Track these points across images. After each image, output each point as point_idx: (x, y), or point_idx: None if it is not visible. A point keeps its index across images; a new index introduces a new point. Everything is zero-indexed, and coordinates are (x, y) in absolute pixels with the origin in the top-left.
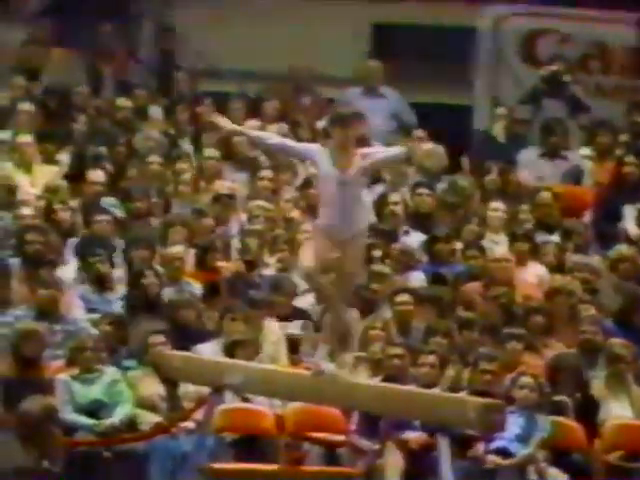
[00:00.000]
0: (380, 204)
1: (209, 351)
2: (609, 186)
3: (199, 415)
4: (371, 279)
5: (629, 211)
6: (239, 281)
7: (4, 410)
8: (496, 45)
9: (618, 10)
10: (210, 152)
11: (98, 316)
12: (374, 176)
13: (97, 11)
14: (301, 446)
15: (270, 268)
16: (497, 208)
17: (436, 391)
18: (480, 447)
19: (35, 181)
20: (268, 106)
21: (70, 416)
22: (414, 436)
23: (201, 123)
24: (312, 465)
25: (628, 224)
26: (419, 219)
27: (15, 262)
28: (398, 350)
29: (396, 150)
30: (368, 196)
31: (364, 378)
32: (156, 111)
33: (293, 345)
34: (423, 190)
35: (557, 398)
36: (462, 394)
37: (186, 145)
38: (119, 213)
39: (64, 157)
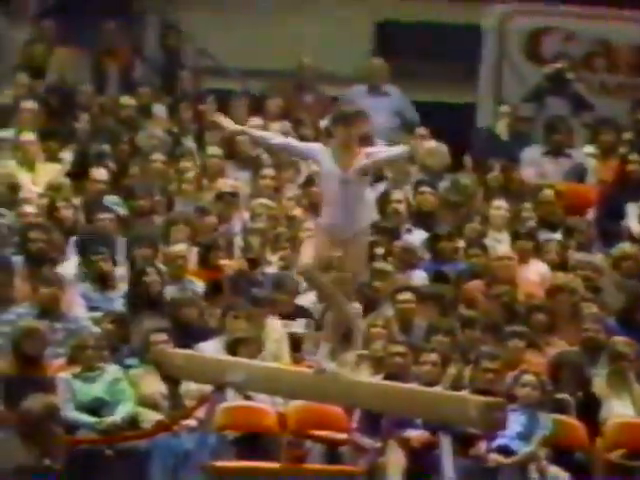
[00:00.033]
0: (383, 202)
1: (211, 349)
2: (612, 184)
3: (201, 413)
4: (373, 277)
5: (632, 209)
6: (242, 279)
7: (5, 408)
8: (500, 43)
9: (623, 8)
10: (213, 150)
11: (100, 314)
12: (377, 174)
13: (101, 9)
14: (303, 444)
15: (273, 266)
16: (500, 206)
17: (438, 389)
18: (482, 445)
19: (38, 179)
20: (271, 104)
21: (72, 414)
22: (416, 434)
23: (204, 121)
24: (314, 463)
25: (631, 222)
26: (422, 217)
27: (18, 260)
28: (400, 348)
29: (399, 149)
30: (371, 194)
31: (366, 376)
32: (160, 109)
33: (295, 343)
34: (426, 188)
35: (559, 396)
36: (464, 392)
37: (189, 143)
38: (122, 211)
39: (67, 155)
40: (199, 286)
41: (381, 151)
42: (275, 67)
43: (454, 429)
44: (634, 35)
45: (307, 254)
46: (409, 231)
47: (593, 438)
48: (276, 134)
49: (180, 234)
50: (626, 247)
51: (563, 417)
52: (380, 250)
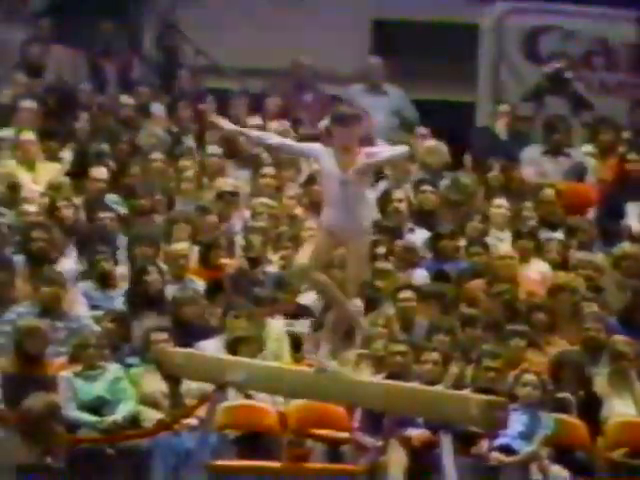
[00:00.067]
0: (384, 201)
1: (212, 348)
2: (612, 183)
3: (202, 412)
4: (375, 276)
5: (632, 208)
6: (242, 278)
7: (7, 407)
8: (498, 42)
9: (621, 7)
10: (213, 149)
11: (101, 313)
12: (377, 173)
13: (99, 9)
14: (304, 443)
15: (273, 265)
16: (500, 205)
17: (439, 388)
18: (483, 444)
19: (38, 178)
20: (270, 103)
21: (73, 413)
22: (417, 433)
23: (204, 120)
24: (315, 462)
25: (631, 221)
26: (423, 216)
27: (19, 259)
28: (401, 347)
29: (399, 149)
30: (372, 193)
31: (367, 375)
32: (159, 108)
33: (296, 342)
34: (426, 187)
35: (560, 395)
36: (465, 391)
37: (189, 142)
38: (122, 210)
39: (67, 154)
40: (200, 285)
41: (381, 151)
42: (274, 66)
43: (455, 428)
44: (633, 34)
45: (304, 254)
46: (411, 230)
47: (594, 437)
48: (274, 134)
49: (181, 233)
50: (627, 246)
51: (564, 416)
52: (381, 249)
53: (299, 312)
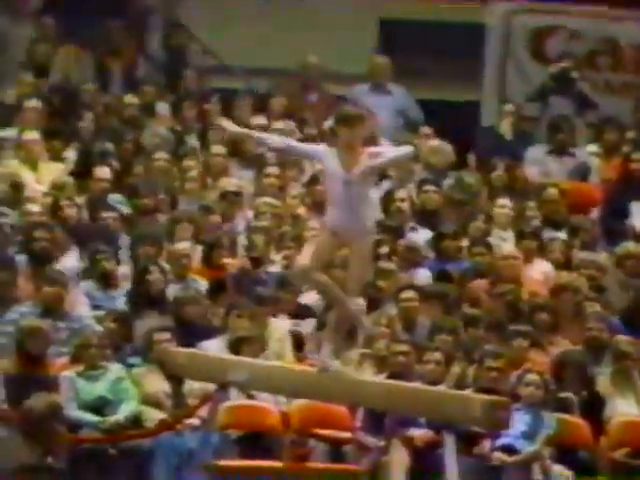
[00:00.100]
0: (386, 201)
1: (214, 348)
2: (616, 183)
3: (204, 412)
4: (377, 276)
5: (636, 208)
6: (245, 278)
7: (9, 407)
8: (504, 42)
9: (628, 7)
10: (217, 149)
11: (103, 313)
12: (381, 173)
13: (105, 8)
14: (306, 443)
15: (276, 265)
16: (504, 205)
17: (441, 388)
18: (486, 444)
19: (41, 178)
20: (275, 103)
21: (75, 413)
22: (419, 433)
23: (208, 120)
24: (317, 462)
25: (635, 221)
26: (425, 216)
27: (21, 259)
28: (403, 347)
29: (403, 150)
30: (375, 193)
31: (369, 375)
32: (163, 108)
33: (298, 342)
34: (429, 187)
35: (563, 395)
36: (467, 391)
37: (193, 142)
38: (126, 210)
39: (70, 154)
40: (202, 285)
41: (386, 151)
42: (279, 66)
43: (458, 428)
44: (639, 34)
45: (305, 255)
46: (413, 230)
47: (597, 437)
48: (278, 136)
49: (184, 233)
50: (630, 246)
51: (567, 416)
52: (384, 249)
53: (301, 312)
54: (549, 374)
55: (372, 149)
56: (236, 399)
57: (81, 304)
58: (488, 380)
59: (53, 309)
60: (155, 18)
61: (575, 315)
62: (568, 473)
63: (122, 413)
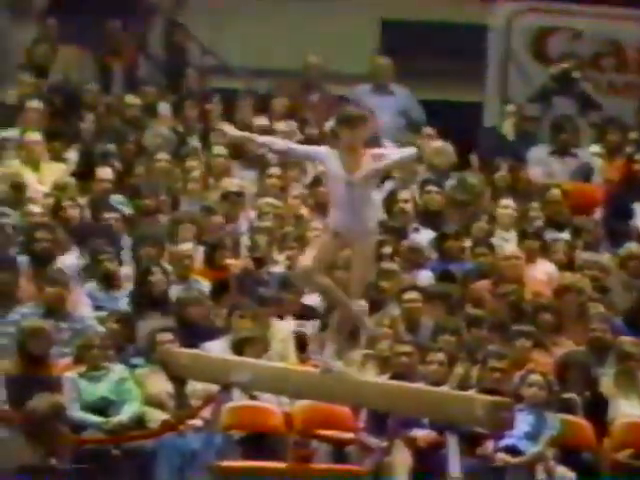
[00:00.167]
0: (389, 201)
1: (217, 348)
2: (619, 183)
3: (207, 413)
4: (380, 276)
5: (639, 208)
6: (248, 278)
7: (11, 408)
8: (507, 42)
9: (631, 7)
10: (219, 149)
11: (105, 314)
12: (384, 174)
13: (106, 8)
14: (309, 444)
15: (279, 265)
16: (507, 205)
17: (445, 389)
18: (489, 445)
19: (43, 179)
20: (277, 103)
21: (78, 414)
22: (422, 434)
23: (210, 120)
24: (320, 463)
25: (638, 222)
26: (428, 216)
27: (23, 260)
28: (406, 348)
29: (407, 152)
30: (377, 194)
31: (372, 376)
32: (165, 108)
33: (301, 343)
34: (432, 187)
35: (566, 396)
36: (471, 392)
37: (195, 142)
38: (127, 210)
39: (72, 155)
40: (205, 285)
41: (388, 153)
42: (281, 66)
43: (461, 429)
44: None
45: (306, 257)
46: (416, 230)
47: (600, 438)
48: (279, 139)
49: (186, 233)
50: (633, 247)
51: (570, 417)
52: (387, 250)
53: (304, 313)
54: (552, 375)
55: (375, 150)
56: (239, 400)
57: (83, 305)
58: (491, 381)
59: (55, 310)
60: (156, 18)
61: (578, 316)
62: (571, 474)
63: (125, 414)
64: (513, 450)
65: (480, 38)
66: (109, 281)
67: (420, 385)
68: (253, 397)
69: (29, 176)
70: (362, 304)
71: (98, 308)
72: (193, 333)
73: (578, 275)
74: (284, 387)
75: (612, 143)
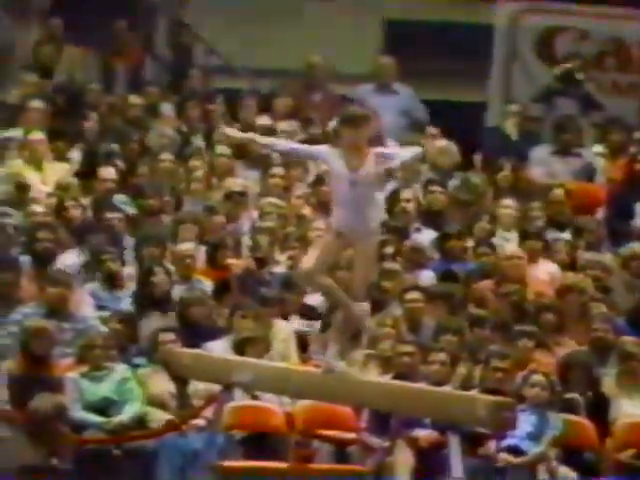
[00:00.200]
0: (392, 201)
1: (219, 348)
2: (622, 183)
3: (209, 413)
4: (382, 276)
5: None
6: (250, 278)
7: (13, 408)
8: (511, 42)
9: (636, 7)
10: (222, 149)
11: (108, 314)
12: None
13: (111, 8)
14: (311, 444)
15: (281, 265)
16: (509, 205)
17: (447, 389)
18: (491, 445)
19: (46, 179)
20: (280, 103)
21: (79, 414)
22: (424, 434)
23: (213, 120)
24: (322, 463)
25: None
26: (431, 216)
27: (25, 260)
28: (408, 348)
29: (411, 152)
30: (380, 193)
31: (374, 376)
32: (168, 108)
33: (303, 343)
34: (435, 187)
35: (568, 396)
36: (473, 392)
37: (198, 142)
38: (131, 210)
39: (75, 154)
40: (207, 285)
41: (392, 152)
42: (284, 66)
43: (463, 429)
44: None
45: (309, 257)
46: (418, 230)
47: (603, 438)
48: (283, 139)
49: (188, 233)
50: (635, 247)
51: (573, 417)
52: (389, 249)
53: (307, 313)
54: (555, 375)
55: (378, 150)
56: (241, 400)
57: (86, 305)
58: (493, 381)
59: (58, 310)
60: (160, 18)
61: (581, 316)
62: (574, 474)
63: (127, 414)
64: (515, 450)
65: (483, 38)
66: (112, 281)
67: (422, 385)
68: (255, 397)
69: (32, 176)
70: (364, 307)
71: (101, 308)
72: (195, 333)
73: (580, 275)
74: (286, 387)
75: (615, 143)
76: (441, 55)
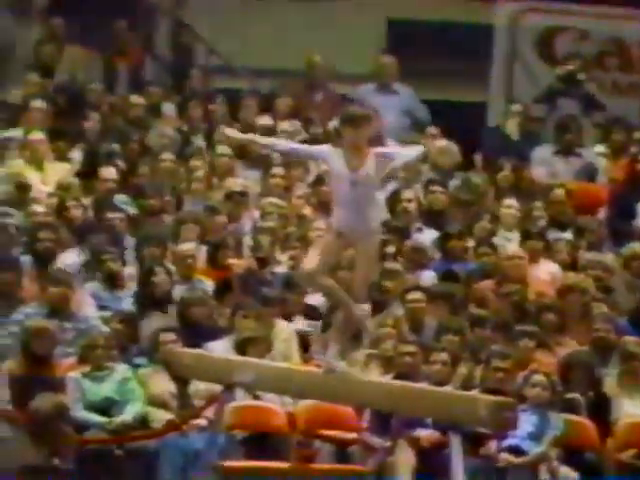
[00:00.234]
0: (393, 201)
1: (220, 348)
2: (623, 183)
3: (210, 413)
4: (383, 276)
5: None
6: (251, 278)
7: (15, 408)
8: (512, 42)
9: (636, 7)
10: (223, 149)
11: (109, 314)
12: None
13: (109, 7)
14: (312, 444)
15: (282, 265)
16: (510, 205)
17: (448, 389)
18: (492, 445)
19: (47, 178)
20: (281, 103)
21: (81, 414)
22: (426, 434)
23: (214, 120)
24: (323, 463)
25: None
26: (432, 216)
27: (26, 260)
28: (410, 348)
29: (412, 152)
30: (381, 193)
31: (376, 376)
32: (169, 108)
33: (305, 343)
34: (436, 187)
35: (570, 396)
36: (474, 392)
37: (199, 142)
38: (131, 210)
39: (76, 154)
40: (208, 285)
41: (393, 152)
42: (285, 66)
43: (464, 429)
44: None
45: (310, 258)
46: (419, 230)
47: (604, 438)
48: (283, 139)
49: (189, 233)
50: (637, 247)
51: (574, 417)
52: (390, 249)
53: (307, 313)
54: (556, 375)
55: (379, 149)
56: (242, 400)
57: (87, 305)
58: (495, 381)
59: (59, 310)
60: (160, 18)
61: (582, 316)
62: (575, 474)
63: (128, 414)
64: (516, 450)
65: (485, 38)
66: (112, 281)
67: (423, 385)
68: (256, 397)
69: (33, 176)
70: (365, 308)
71: (102, 308)
72: (196, 333)
73: (581, 275)
74: (287, 387)
75: (616, 143)
76: (441, 55)
